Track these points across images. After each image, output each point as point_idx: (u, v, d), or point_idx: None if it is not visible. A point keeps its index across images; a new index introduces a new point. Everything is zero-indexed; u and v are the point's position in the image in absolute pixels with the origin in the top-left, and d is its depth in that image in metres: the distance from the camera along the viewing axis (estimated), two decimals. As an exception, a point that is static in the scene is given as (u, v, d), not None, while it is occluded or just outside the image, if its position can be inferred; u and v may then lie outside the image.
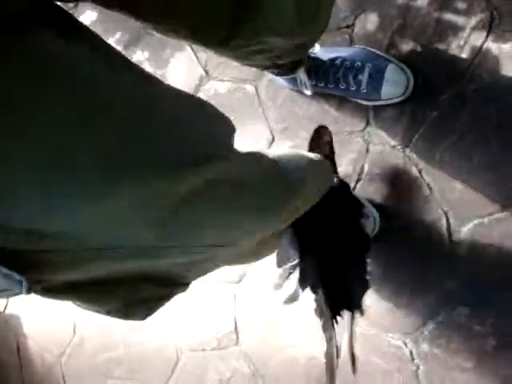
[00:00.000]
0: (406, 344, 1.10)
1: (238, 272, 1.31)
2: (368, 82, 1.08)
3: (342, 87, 1.11)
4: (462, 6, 1.04)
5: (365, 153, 1.15)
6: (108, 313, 0.63)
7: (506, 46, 1.01)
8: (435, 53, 1.07)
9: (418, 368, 1.09)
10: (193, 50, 1.34)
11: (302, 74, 1.12)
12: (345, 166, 1.17)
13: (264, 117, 1.25)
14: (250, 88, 1.27)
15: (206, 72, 1.33)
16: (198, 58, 1.33)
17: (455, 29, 1.05)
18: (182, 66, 1.35)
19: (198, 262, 0.66)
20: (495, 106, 1.01)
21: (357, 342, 1.11)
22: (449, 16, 1.05)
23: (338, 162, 1.15)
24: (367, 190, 1.16)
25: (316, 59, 1.12)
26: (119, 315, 0.64)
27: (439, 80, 1.07)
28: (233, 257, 0.80)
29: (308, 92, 1.15)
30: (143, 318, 0.66)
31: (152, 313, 0.66)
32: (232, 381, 1.34)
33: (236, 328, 1.32)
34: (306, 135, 1.18)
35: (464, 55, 1.04)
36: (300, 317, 1.24)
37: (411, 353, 1.09)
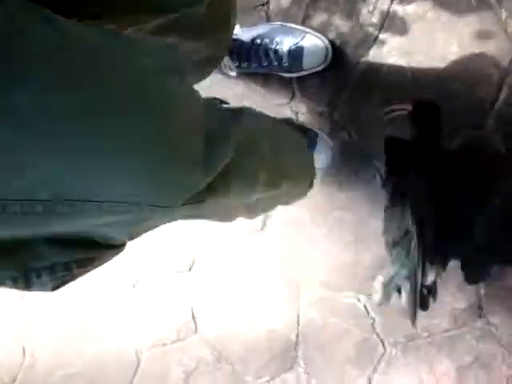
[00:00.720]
0: (359, 299, 1.16)
1: (187, 261, 1.31)
2: (289, 56, 1.12)
3: (265, 64, 1.14)
4: (366, -27, 1.11)
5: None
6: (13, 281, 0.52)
7: (409, 7, 1.09)
8: (348, 20, 1.13)
9: (374, 320, 1.16)
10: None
11: (225, 59, 1.15)
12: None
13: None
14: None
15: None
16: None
17: (362, -3, 1.12)
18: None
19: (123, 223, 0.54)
20: (407, 60, 1.10)
21: (315, 306, 1.16)
22: (356, -15, 1.12)
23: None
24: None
25: (236, 40, 1.15)
26: (22, 285, 0.52)
27: (355, 45, 1.12)
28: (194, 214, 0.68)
29: (233, 73, 1.17)
30: (52, 288, 0.55)
31: (65, 281, 0.55)
32: (197, 370, 1.34)
33: (193, 317, 1.32)
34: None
35: (374, 20, 1.11)
36: (254, 295, 1.26)
37: (365, 307, 1.16)
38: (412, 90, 1.09)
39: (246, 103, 1.20)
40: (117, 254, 0.58)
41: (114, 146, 0.44)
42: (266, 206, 0.93)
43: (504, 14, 1.03)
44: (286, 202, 1.00)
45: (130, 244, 0.58)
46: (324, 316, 1.19)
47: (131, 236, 0.59)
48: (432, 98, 1.02)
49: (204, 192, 0.57)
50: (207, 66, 0.89)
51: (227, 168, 0.60)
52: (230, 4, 0.80)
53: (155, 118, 0.48)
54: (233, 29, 0.89)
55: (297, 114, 1.18)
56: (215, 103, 0.72)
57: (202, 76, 0.90)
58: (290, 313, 1.23)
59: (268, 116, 0.89)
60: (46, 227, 0.48)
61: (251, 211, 0.87)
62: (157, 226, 0.62)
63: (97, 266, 0.56)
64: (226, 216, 0.81)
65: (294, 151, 0.96)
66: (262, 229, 1.23)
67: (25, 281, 0.52)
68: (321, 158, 1.13)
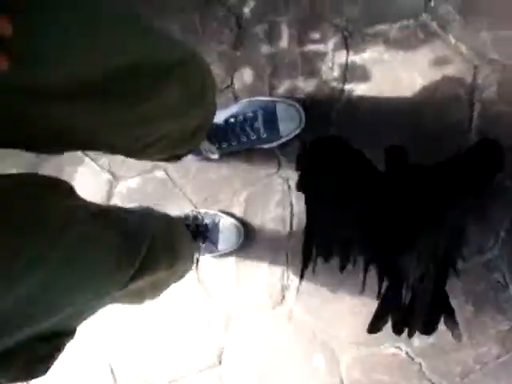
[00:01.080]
0: (399, 348, 1.11)
1: (214, 354, 1.26)
2: (265, 127, 1.15)
3: (244, 140, 1.17)
4: (316, 35, 1.16)
5: (288, 190, 1.20)
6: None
7: (365, 55, 1.14)
8: (312, 80, 1.17)
9: (420, 366, 1.10)
10: (92, 159, 1.35)
11: (204, 144, 1.17)
12: (274, 210, 1.21)
13: (182, 194, 1.27)
14: (160, 174, 1.29)
15: (113, 175, 1.34)
16: (99, 165, 1.35)
17: (320, 56, 1.16)
18: (87, 179, 1.35)
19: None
20: (377, 103, 1.13)
21: (356, 367, 1.10)
22: (310, 47, 1.17)
23: (266, 208, 1.21)
24: (301, 226, 1.20)
25: (212, 125, 1.18)
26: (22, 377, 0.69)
27: (325, 101, 1.16)
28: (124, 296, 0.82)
29: (215, 156, 1.20)
30: (45, 372, 0.70)
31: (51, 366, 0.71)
32: None
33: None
34: (225, 196, 1.23)
35: (336, 74, 1.15)
36: (294, 373, 1.20)
37: (407, 353, 1.10)
38: (389, 129, 1.12)
39: (235, 183, 1.23)
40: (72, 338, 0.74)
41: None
42: (165, 286, 1.01)
43: (452, 39, 1.08)
44: (175, 281, 1.04)
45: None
46: (368, 374, 1.13)
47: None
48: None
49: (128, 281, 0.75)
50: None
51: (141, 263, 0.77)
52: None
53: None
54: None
55: (287, 180, 1.20)
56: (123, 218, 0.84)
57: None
58: (333, 381, 1.17)
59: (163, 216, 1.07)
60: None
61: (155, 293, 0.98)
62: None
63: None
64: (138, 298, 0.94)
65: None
66: (281, 302, 1.20)
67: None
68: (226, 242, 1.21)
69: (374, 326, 0.91)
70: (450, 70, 1.08)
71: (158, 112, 0.75)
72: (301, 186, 1.00)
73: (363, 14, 1.13)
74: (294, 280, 1.19)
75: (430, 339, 1.10)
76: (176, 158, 1.01)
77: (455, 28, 1.08)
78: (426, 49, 1.10)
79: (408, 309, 0.87)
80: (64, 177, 1.31)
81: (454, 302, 1.04)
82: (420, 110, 1.11)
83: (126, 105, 0.68)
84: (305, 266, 0.92)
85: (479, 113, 1.07)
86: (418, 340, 1.10)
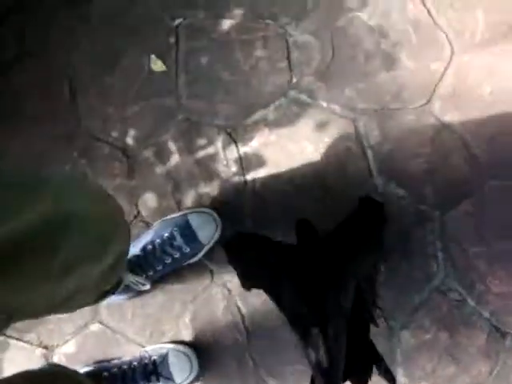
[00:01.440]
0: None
1: None
2: (185, 242, 1.13)
3: (169, 261, 1.14)
4: (203, 141, 1.19)
5: (228, 294, 1.17)
6: None
7: (253, 143, 1.18)
8: (213, 182, 1.18)
9: None
10: (17, 338, 1.23)
11: (130, 278, 1.12)
12: (223, 319, 1.16)
13: (126, 339, 1.19)
14: (95, 327, 1.20)
15: (46, 347, 1.21)
16: (28, 341, 1.22)
17: (212, 158, 1.18)
18: (19, 361, 1.21)
19: None
20: (281, 182, 1.16)
21: None
22: (201, 153, 1.19)
23: (215, 321, 1.16)
24: (255, 324, 1.16)
25: (131, 257, 1.15)
26: None
27: (233, 197, 1.17)
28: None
29: (147, 286, 1.15)
30: None
31: None
32: None
33: None
34: (170, 325, 1.18)
35: (234, 169, 1.18)
36: None
37: None
38: (300, 200, 1.15)
39: (175, 307, 1.18)
40: None
41: None
42: None
43: (323, 103, 1.16)
44: None
45: None
46: None
47: None
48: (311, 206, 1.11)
49: None
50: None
51: None
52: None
53: None
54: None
55: (225, 285, 1.17)
56: None
57: None
58: None
59: None
60: None
61: None
62: None
63: None
64: None
65: None
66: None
67: None
68: None
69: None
70: (333, 130, 1.15)
71: (76, 258, 0.72)
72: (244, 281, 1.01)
73: (237, 109, 1.20)
74: (268, 380, 1.14)
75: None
76: (101, 297, 0.97)
77: (322, 93, 1.16)
78: (304, 119, 1.16)
79: (333, 370, 0.85)
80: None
81: (427, 336, 1.07)
82: (321, 174, 1.15)
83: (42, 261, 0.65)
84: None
85: (373, 157, 1.13)
86: (410, 391, 1.07)
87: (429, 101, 1.12)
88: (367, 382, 0.86)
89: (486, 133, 1.10)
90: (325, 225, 1.03)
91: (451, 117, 1.12)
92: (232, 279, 1.16)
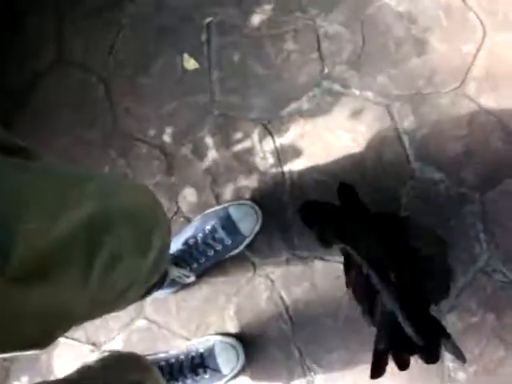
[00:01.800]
0: (447, 390, 1.06)
1: None
2: (227, 234, 1.14)
3: (212, 254, 1.15)
4: (239, 135, 1.21)
5: (272, 285, 1.18)
6: None
7: (288, 134, 1.20)
8: (252, 175, 1.19)
9: None
10: (66, 337, 1.26)
11: (175, 272, 1.14)
12: (268, 310, 1.16)
13: (171, 333, 1.21)
14: (141, 322, 1.21)
15: (94, 344, 1.23)
16: (76, 339, 1.24)
17: (250, 151, 1.20)
18: (68, 358, 1.24)
19: None
20: (319, 171, 1.16)
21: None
22: (238, 147, 1.21)
23: (259, 312, 1.18)
24: (298, 313, 1.17)
25: (174, 252, 1.16)
26: None
27: (272, 188, 1.18)
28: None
29: (192, 278, 1.16)
30: None
31: None
32: None
33: None
34: (215, 317, 1.19)
35: (271, 161, 1.19)
36: None
37: (458, 392, 1.06)
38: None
39: (219, 300, 1.19)
40: None
41: None
42: None
43: (357, 91, 1.16)
44: None
45: None
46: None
47: None
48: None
49: None
50: None
51: None
52: None
53: None
54: None
55: (268, 276, 1.18)
56: None
57: None
58: None
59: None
60: None
61: None
62: None
63: None
64: None
65: None
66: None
67: None
68: None
69: (376, 372, 0.87)
70: (368, 117, 1.16)
71: (120, 254, 0.74)
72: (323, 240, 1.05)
73: (272, 102, 1.21)
74: (314, 368, 1.14)
75: (469, 368, 1.08)
76: (148, 292, 0.97)
77: (354, 82, 1.18)
78: (338, 108, 1.17)
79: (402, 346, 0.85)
80: (42, 367, 1.26)
81: (474, 319, 1.06)
82: (358, 161, 1.16)
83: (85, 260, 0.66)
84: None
85: (410, 143, 1.13)
86: (460, 372, 1.07)
87: (462, 83, 1.12)
88: (438, 358, 0.85)
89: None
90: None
91: (486, 98, 1.12)
92: (274, 270, 1.17)
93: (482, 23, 1.13)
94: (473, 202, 1.11)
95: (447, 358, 1.10)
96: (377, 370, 0.85)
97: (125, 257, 0.74)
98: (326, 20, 1.20)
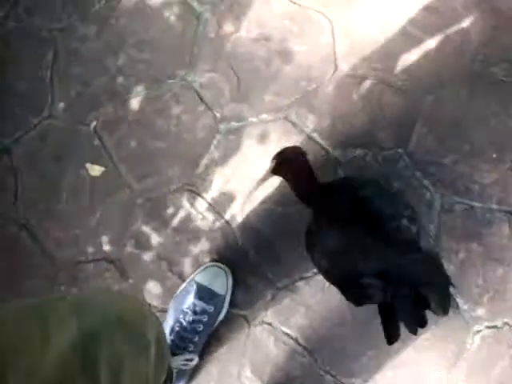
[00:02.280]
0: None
1: None
2: (205, 302, 1.11)
3: (201, 328, 1.11)
4: (170, 210, 1.21)
5: (271, 329, 1.15)
6: None
7: (214, 186, 1.22)
8: (199, 241, 1.18)
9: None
10: None
11: (177, 361, 1.09)
12: (280, 352, 1.13)
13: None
14: None
15: None
16: None
17: (188, 220, 1.19)
18: None
19: None
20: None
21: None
22: (174, 222, 1.19)
23: (276, 365, 1.13)
24: (311, 340, 1.14)
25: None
26: None
27: (224, 243, 1.18)
28: None
29: (195, 360, 1.11)
30: None
31: None
32: None
33: None
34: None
35: (212, 217, 1.19)
36: None
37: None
38: (284, 213, 1.18)
39: (231, 368, 1.14)
40: None
41: None
42: None
43: (254, 119, 1.21)
44: None
45: None
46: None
47: None
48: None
49: None
50: None
51: None
52: None
53: None
54: None
55: (263, 320, 1.14)
56: None
57: None
58: None
59: None
60: None
61: None
62: None
63: None
64: None
65: None
66: None
67: None
68: None
69: (391, 337, 0.86)
70: (275, 136, 1.19)
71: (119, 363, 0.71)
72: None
73: (184, 166, 1.23)
74: (352, 381, 1.10)
75: (483, 299, 1.09)
76: None
77: (247, 112, 1.21)
78: (245, 140, 1.20)
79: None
80: None
81: (461, 255, 1.09)
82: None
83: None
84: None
85: (321, 137, 1.18)
86: (478, 309, 1.07)
87: (336, 66, 1.21)
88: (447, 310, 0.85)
89: (395, 60, 1.18)
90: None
91: (364, 69, 1.20)
92: (266, 312, 1.15)
93: (323, 14, 1.23)
94: (401, 158, 1.16)
95: (460, 303, 1.11)
96: (391, 336, 0.84)
97: (126, 363, 0.70)
98: (195, 75, 1.26)
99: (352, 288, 0.85)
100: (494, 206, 1.11)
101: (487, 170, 1.12)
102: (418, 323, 0.83)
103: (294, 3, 1.24)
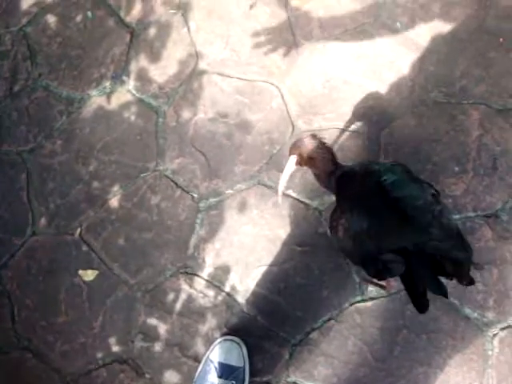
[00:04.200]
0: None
1: None
2: (226, 378, 1.11)
3: None
4: (171, 296, 1.22)
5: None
6: None
7: (208, 261, 1.24)
8: (207, 316, 1.19)
9: None
10: None
11: None
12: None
13: None
14: None
15: None
16: None
17: (190, 301, 1.20)
18: None
19: None
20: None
21: None
22: (177, 307, 1.21)
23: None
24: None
25: None
26: None
27: (233, 314, 1.20)
28: None
29: None
30: None
31: None
32: None
33: None
34: None
35: (212, 293, 1.20)
36: None
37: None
38: (281, 268, 1.21)
39: None
40: None
41: None
42: None
43: (230, 191, 1.27)
44: None
45: None
46: None
47: None
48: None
49: None
50: None
51: None
52: None
53: None
54: None
55: (288, 382, 1.15)
56: None
57: None
58: None
59: None
60: None
61: None
62: None
63: None
64: None
65: None
66: None
67: None
68: None
69: (421, 305, 0.90)
70: (253, 200, 1.26)
71: None
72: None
73: (175, 250, 1.26)
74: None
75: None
76: None
77: (222, 185, 1.28)
78: (227, 212, 1.24)
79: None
80: None
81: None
82: (276, 233, 1.24)
83: None
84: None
85: (294, 187, 1.25)
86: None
87: (293, 125, 1.29)
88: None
89: (344, 107, 1.26)
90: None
91: (320, 121, 1.27)
92: (288, 372, 1.14)
93: (270, 83, 1.33)
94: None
95: (469, 313, 1.14)
96: (419, 305, 0.88)
97: None
98: (165, 163, 1.32)
99: (374, 264, 0.90)
100: (471, 214, 1.18)
101: (454, 183, 1.19)
102: (439, 289, 0.87)
103: (241, 79, 1.34)
